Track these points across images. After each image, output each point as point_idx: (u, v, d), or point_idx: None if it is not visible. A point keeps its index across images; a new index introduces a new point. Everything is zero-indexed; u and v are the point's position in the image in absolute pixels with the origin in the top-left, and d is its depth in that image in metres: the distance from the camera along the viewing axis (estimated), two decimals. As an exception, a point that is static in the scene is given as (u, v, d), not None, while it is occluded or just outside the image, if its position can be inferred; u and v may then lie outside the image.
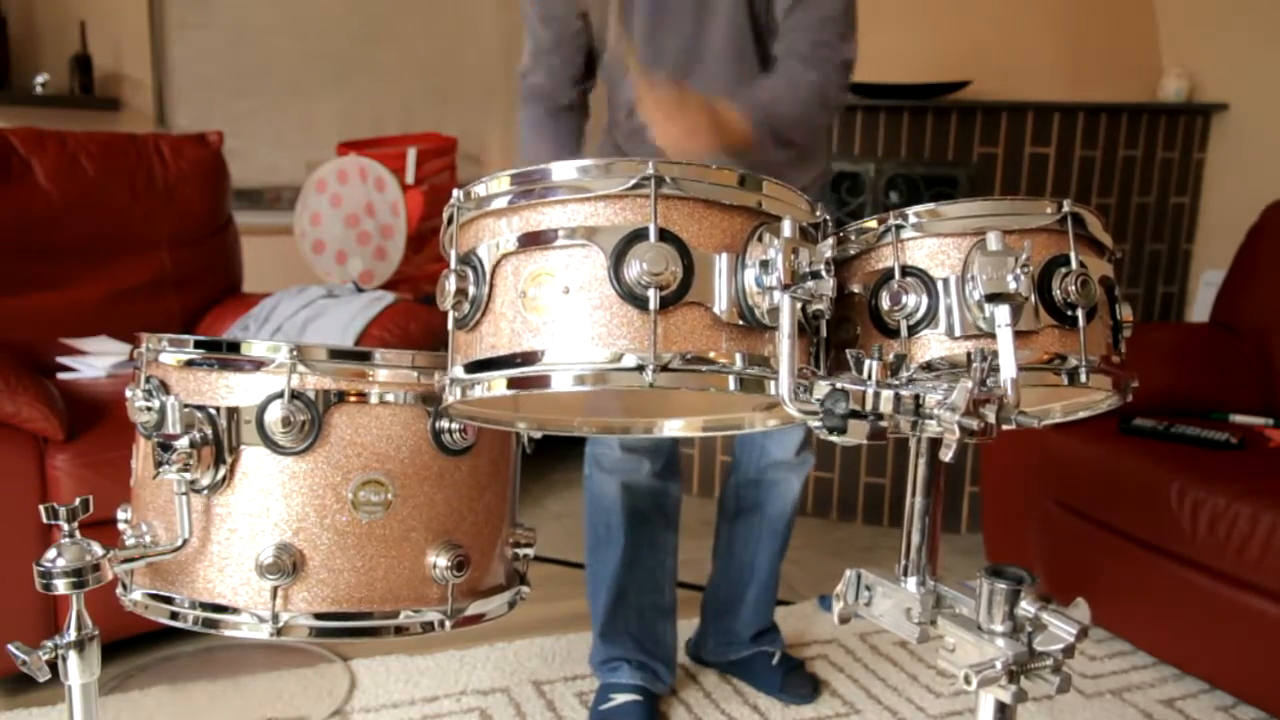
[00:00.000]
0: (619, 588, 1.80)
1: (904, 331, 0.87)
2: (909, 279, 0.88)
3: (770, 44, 1.58)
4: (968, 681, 0.78)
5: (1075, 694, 1.99)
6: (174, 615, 0.94)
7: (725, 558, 1.95)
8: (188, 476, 0.89)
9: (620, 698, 1.80)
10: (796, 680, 1.91)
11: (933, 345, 0.87)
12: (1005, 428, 0.78)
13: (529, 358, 0.79)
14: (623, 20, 1.56)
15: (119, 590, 0.98)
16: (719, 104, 1.39)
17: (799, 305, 0.78)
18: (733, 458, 1.93)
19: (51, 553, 0.88)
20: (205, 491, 0.91)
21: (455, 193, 0.85)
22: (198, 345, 0.94)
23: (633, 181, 0.77)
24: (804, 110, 1.49)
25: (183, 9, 3.35)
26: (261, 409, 0.90)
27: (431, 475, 0.96)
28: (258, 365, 0.91)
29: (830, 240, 0.89)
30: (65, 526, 0.89)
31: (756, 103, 1.44)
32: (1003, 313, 0.82)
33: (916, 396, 0.78)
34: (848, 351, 0.83)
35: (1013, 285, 0.81)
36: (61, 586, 0.87)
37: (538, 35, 1.68)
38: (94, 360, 2.28)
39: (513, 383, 0.79)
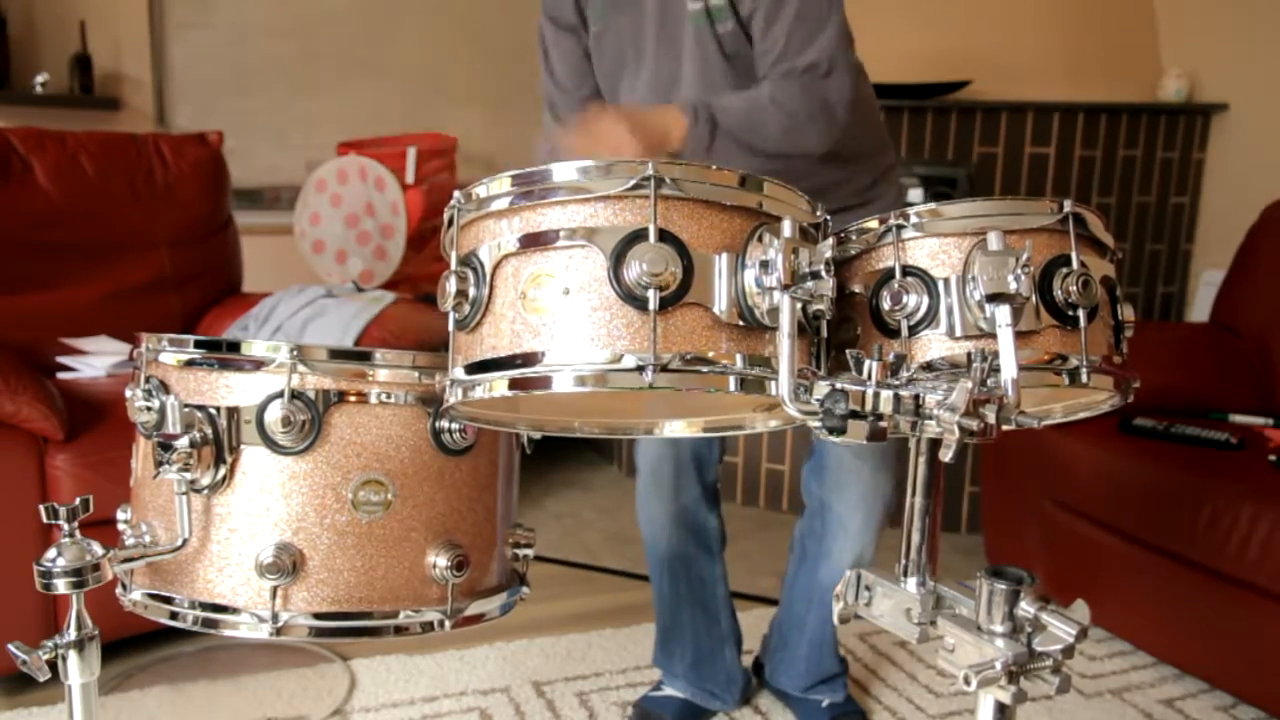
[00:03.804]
0: (669, 622, 1.81)
1: (904, 331, 0.87)
2: (910, 279, 0.88)
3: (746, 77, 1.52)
4: (967, 682, 0.78)
5: (1075, 694, 1.99)
6: (174, 615, 0.94)
7: (789, 594, 1.85)
8: (188, 476, 0.89)
9: (669, 690, 1.84)
10: None
11: (933, 345, 0.87)
12: (1005, 428, 0.78)
13: (529, 359, 0.79)
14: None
15: (119, 590, 0.98)
16: (656, 109, 1.36)
17: (799, 305, 0.78)
18: (803, 489, 1.79)
19: (51, 552, 0.88)
20: (205, 491, 0.91)
21: (456, 194, 0.85)
22: (198, 345, 0.94)
23: (632, 182, 0.77)
24: (760, 116, 1.39)
25: (183, 9, 3.35)
26: (261, 409, 0.90)
27: (431, 475, 0.96)
28: (258, 365, 0.91)
29: (830, 240, 0.89)
30: (65, 526, 0.89)
31: (702, 101, 1.36)
32: (1003, 313, 0.82)
33: (916, 397, 0.78)
34: (848, 352, 0.83)
35: (1013, 285, 0.81)
36: (61, 586, 0.87)
37: (558, 72, 1.63)
38: (94, 360, 2.28)
39: (514, 384, 0.79)
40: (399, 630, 0.95)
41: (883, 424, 0.78)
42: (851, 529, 1.67)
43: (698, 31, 1.47)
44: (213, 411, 0.91)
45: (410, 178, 3.18)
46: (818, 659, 1.82)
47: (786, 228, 0.78)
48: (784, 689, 1.87)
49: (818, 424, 0.77)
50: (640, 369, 0.75)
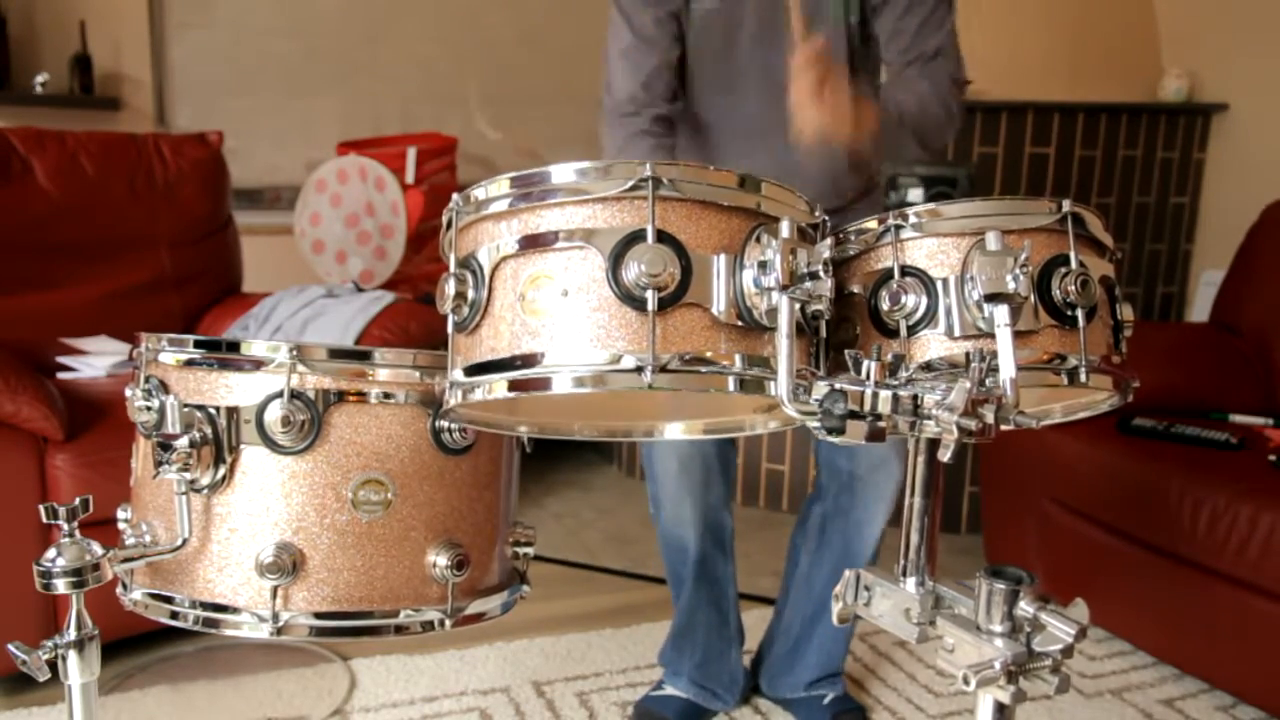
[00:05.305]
0: (684, 622, 1.81)
1: (903, 332, 0.87)
2: (908, 279, 0.88)
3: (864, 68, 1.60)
4: (966, 682, 0.78)
5: (1075, 694, 1.99)
6: (174, 615, 0.94)
7: (802, 589, 1.82)
8: (187, 476, 0.89)
9: (670, 689, 1.83)
10: None
11: (932, 345, 0.87)
12: (1004, 428, 0.78)
13: (529, 360, 0.79)
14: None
15: (119, 590, 0.98)
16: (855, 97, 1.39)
17: (797, 306, 0.78)
18: (818, 467, 1.78)
19: (51, 552, 0.88)
20: (205, 491, 0.91)
21: (454, 197, 0.85)
22: (197, 345, 0.94)
23: (630, 183, 0.77)
24: (933, 113, 1.53)
25: (183, 9, 3.35)
26: (261, 408, 0.90)
27: (431, 474, 0.96)
28: (257, 365, 0.91)
29: (829, 240, 0.89)
30: (65, 526, 0.89)
31: (890, 98, 1.49)
32: (1002, 313, 0.82)
33: (915, 397, 0.78)
34: (846, 352, 0.83)
35: (1012, 285, 0.81)
36: (61, 586, 0.88)
37: (643, 60, 1.57)
38: (94, 360, 2.28)
39: (513, 385, 0.79)
40: (399, 630, 0.95)
41: (881, 424, 0.78)
42: (887, 496, 1.68)
43: (835, 22, 1.53)
44: (212, 411, 0.91)
45: (410, 178, 3.19)
46: (832, 648, 1.81)
47: (784, 228, 0.78)
48: (784, 695, 1.87)
49: (816, 424, 0.78)
50: (639, 369, 0.75)
